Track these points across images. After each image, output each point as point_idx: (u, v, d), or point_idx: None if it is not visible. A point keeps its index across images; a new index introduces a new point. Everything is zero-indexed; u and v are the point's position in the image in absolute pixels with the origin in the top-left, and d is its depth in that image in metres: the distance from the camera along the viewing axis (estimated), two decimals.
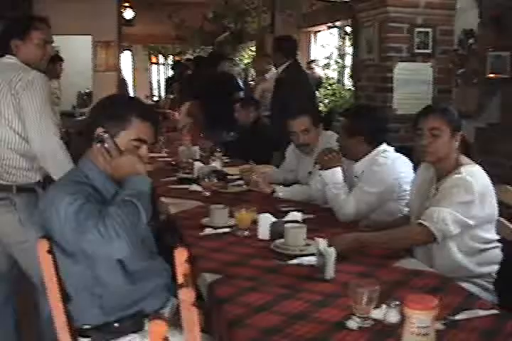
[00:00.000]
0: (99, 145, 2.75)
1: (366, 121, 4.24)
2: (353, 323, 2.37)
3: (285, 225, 3.40)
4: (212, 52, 12.28)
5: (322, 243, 2.98)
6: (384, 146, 4.26)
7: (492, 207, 3.35)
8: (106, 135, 2.74)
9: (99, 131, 2.75)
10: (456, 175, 3.31)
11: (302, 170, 5.18)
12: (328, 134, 5.06)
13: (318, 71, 10.85)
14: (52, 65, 9.73)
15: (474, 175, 3.32)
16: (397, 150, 4.31)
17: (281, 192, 4.63)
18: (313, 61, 11.01)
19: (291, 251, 3.24)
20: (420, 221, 3.26)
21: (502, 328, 2.38)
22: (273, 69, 9.75)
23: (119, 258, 2.65)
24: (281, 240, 3.36)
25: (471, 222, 3.22)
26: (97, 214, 2.48)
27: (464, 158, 3.46)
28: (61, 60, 9.79)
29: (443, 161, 3.48)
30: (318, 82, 10.79)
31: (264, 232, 3.58)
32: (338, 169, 4.15)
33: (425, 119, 3.49)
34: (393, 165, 4.11)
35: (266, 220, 3.60)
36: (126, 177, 2.71)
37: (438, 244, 3.31)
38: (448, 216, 3.19)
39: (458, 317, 2.44)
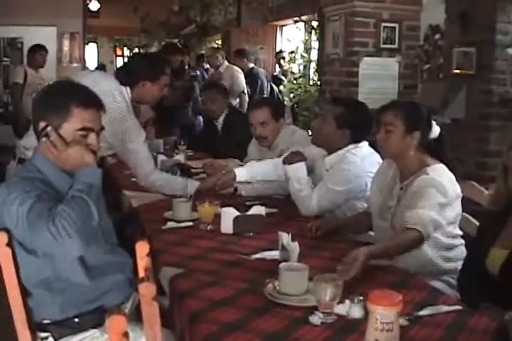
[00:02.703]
0: (44, 139, 2.70)
1: (360, 116, 4.17)
2: (316, 318, 2.35)
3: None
4: (165, 44, 12.22)
5: (285, 237, 2.97)
6: (361, 144, 4.16)
7: (459, 205, 3.36)
8: (49, 128, 2.68)
9: (42, 124, 2.70)
10: (424, 176, 3.30)
11: None
12: (290, 130, 5.01)
13: (285, 64, 10.84)
14: (32, 55, 9.67)
15: (441, 174, 3.32)
16: None
17: (245, 189, 4.58)
18: (281, 52, 10.99)
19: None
20: (412, 226, 3.14)
21: (465, 324, 2.38)
22: (226, 63, 9.77)
23: (76, 256, 2.59)
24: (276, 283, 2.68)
25: (444, 222, 3.23)
26: (47, 213, 2.42)
27: (428, 158, 3.44)
28: (43, 49, 9.70)
29: (403, 159, 3.47)
30: (276, 77, 10.82)
31: (227, 226, 3.54)
32: (302, 164, 4.11)
33: (382, 114, 3.48)
34: (362, 164, 4.03)
35: (229, 214, 3.56)
36: (77, 169, 2.65)
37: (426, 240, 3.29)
38: (430, 218, 3.17)
39: (422, 312, 2.43)
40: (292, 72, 10.63)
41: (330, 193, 4.01)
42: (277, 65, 10.95)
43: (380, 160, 3.93)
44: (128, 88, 4.26)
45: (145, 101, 4.51)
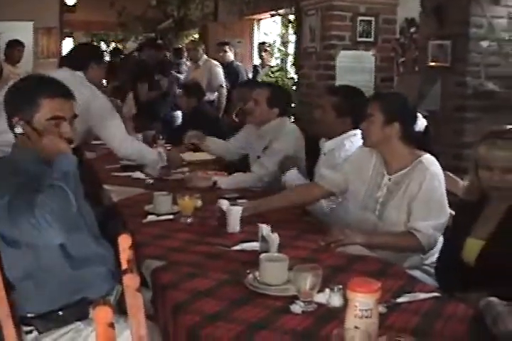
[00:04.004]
0: (19, 133, 2.76)
1: (357, 103, 4.21)
2: (297, 307, 2.39)
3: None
4: (146, 40, 12.20)
5: (265, 229, 3.01)
6: (357, 131, 4.24)
7: None
8: (21, 122, 2.75)
9: (15, 120, 2.77)
10: (422, 167, 3.39)
11: (253, 153, 5.16)
12: (280, 122, 4.98)
13: (266, 56, 10.81)
14: (10, 50, 9.62)
15: (436, 164, 3.43)
16: None
17: (223, 183, 4.60)
18: (263, 43, 10.98)
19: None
20: (417, 236, 3.30)
21: (442, 310, 2.44)
22: (205, 56, 9.75)
23: (57, 243, 2.62)
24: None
25: (442, 221, 3.34)
26: (26, 206, 2.45)
27: (416, 150, 3.51)
28: (21, 45, 9.66)
29: (387, 149, 3.54)
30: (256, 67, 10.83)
31: (234, 225, 3.49)
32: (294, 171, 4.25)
33: (368, 104, 3.58)
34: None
35: (236, 212, 3.51)
36: (54, 158, 2.69)
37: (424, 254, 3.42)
38: (431, 229, 3.29)
39: (400, 300, 2.48)
40: (270, 66, 10.63)
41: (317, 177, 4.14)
42: (259, 57, 10.90)
43: None
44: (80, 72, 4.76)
45: (95, 82, 4.88)
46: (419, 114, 3.60)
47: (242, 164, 5.23)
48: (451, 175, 3.89)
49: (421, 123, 3.56)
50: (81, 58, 4.87)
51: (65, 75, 4.30)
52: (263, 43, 10.89)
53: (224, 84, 9.55)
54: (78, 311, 2.71)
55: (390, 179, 3.53)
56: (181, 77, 10.26)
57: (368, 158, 3.68)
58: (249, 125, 5.29)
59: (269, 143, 4.82)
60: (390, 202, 3.49)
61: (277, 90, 5.13)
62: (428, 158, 3.43)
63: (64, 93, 2.85)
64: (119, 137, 4.79)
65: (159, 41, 11.59)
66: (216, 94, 9.51)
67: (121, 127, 4.85)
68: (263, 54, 10.64)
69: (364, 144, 3.68)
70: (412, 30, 6.53)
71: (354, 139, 4.19)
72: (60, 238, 2.49)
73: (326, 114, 4.28)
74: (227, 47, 10.23)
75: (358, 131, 4.13)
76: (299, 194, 3.96)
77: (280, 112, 4.94)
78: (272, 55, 10.76)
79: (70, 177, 2.60)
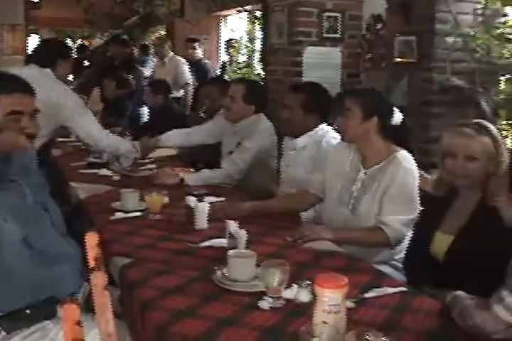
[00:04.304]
0: None
1: (324, 98, 4.31)
2: (265, 303, 2.39)
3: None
4: (112, 36, 12.10)
5: (233, 225, 3.01)
6: (324, 125, 4.33)
7: None
8: None
9: None
10: (397, 163, 3.42)
11: (225, 148, 5.17)
12: (255, 119, 4.97)
13: (233, 53, 10.78)
14: None
15: (411, 161, 3.46)
16: None
17: (191, 180, 4.59)
18: (230, 40, 10.95)
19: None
20: (386, 230, 3.32)
21: (410, 304, 2.46)
22: (171, 53, 9.71)
23: (18, 238, 2.59)
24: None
25: (411, 217, 3.36)
26: None
27: (393, 145, 3.54)
28: None
29: (365, 144, 3.57)
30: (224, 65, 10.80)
31: (202, 222, 3.49)
32: None
33: (341, 100, 3.59)
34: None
35: (203, 208, 3.51)
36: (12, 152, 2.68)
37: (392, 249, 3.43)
38: (400, 224, 3.32)
39: (368, 295, 2.50)
40: (237, 62, 10.63)
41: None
42: (226, 53, 10.86)
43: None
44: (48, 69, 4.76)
45: (62, 79, 4.91)
46: (395, 108, 3.61)
47: (211, 159, 5.23)
48: (420, 171, 3.92)
49: (397, 116, 3.58)
50: (48, 55, 4.86)
51: (33, 73, 4.31)
52: (230, 40, 10.87)
53: (190, 82, 9.52)
54: (46, 310, 2.69)
55: (365, 173, 3.55)
56: (147, 73, 10.20)
57: (346, 154, 3.70)
58: (220, 117, 5.32)
59: (242, 140, 4.82)
60: (363, 196, 3.51)
61: (253, 86, 5.12)
62: (403, 154, 3.46)
63: (22, 88, 2.82)
64: (95, 132, 4.91)
65: (125, 37, 11.50)
66: (182, 91, 9.48)
67: (95, 122, 5.00)
68: (231, 50, 10.61)
69: (342, 139, 3.70)
70: (379, 26, 6.55)
71: (328, 136, 4.24)
72: (17, 232, 2.48)
73: (293, 112, 4.29)
74: (196, 44, 10.18)
75: (327, 127, 4.19)
76: (297, 201, 3.95)
77: (256, 109, 4.93)
78: (238, 51, 10.75)
79: (28, 171, 2.59)
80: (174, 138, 5.46)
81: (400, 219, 3.30)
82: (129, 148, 5.13)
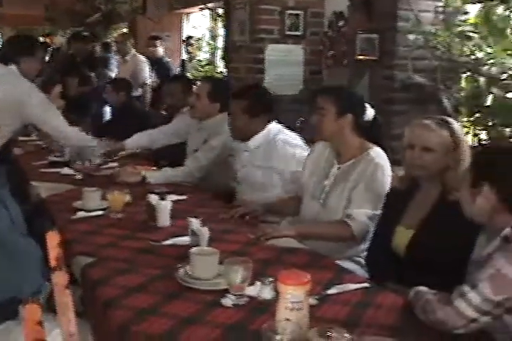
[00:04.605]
0: None
1: (266, 100, 4.31)
2: (228, 301, 2.39)
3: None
4: (72, 34, 12.02)
5: (195, 223, 3.00)
6: (274, 125, 4.31)
7: None
8: None
9: None
10: (369, 158, 3.45)
11: (190, 145, 5.16)
12: (222, 118, 4.82)
13: (193, 50, 10.73)
14: None
15: (383, 157, 3.48)
16: None
17: (153, 178, 4.57)
18: (190, 37, 10.91)
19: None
20: (350, 223, 3.34)
21: (373, 300, 2.47)
22: (133, 51, 9.65)
23: None
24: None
25: (378, 212, 3.35)
26: None
27: (365, 141, 3.57)
28: None
29: (339, 141, 3.60)
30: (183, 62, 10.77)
31: (164, 220, 3.49)
32: None
33: (317, 99, 3.59)
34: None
35: (165, 206, 3.50)
36: None
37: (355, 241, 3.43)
38: (368, 221, 3.34)
39: (330, 291, 2.51)
40: (199, 60, 10.60)
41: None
42: (185, 51, 10.82)
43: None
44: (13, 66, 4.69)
45: (29, 75, 4.81)
46: (367, 104, 3.66)
47: (175, 157, 5.21)
48: None
49: (369, 112, 3.62)
50: (12, 52, 4.81)
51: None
52: (190, 37, 10.83)
53: (148, 82, 9.41)
54: (7, 310, 2.66)
55: (338, 168, 3.59)
56: (111, 73, 10.11)
57: (322, 152, 3.76)
58: (183, 116, 5.31)
59: (207, 138, 4.81)
60: (334, 191, 3.55)
61: (219, 85, 5.11)
62: (376, 151, 3.50)
63: None
64: (63, 128, 4.93)
65: (86, 34, 11.42)
66: (140, 90, 9.39)
67: (62, 118, 4.97)
68: (189, 48, 10.57)
69: (316, 138, 3.74)
70: (341, 23, 6.57)
71: (282, 135, 4.23)
72: None
73: (238, 118, 4.26)
74: (157, 42, 10.11)
75: (278, 126, 4.18)
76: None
77: (222, 107, 4.91)
78: (199, 48, 10.73)
79: None
80: (139, 142, 5.46)
81: (366, 213, 3.33)
82: (96, 145, 5.15)
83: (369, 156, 3.46)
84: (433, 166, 2.94)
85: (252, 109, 4.20)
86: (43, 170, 5.17)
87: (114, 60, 10.76)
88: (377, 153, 3.49)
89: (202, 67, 10.42)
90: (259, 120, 4.22)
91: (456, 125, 2.96)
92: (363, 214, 3.33)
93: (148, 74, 9.43)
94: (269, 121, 4.26)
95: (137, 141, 5.44)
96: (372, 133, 3.61)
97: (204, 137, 4.88)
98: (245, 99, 4.25)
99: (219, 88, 4.99)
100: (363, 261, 3.42)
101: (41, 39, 20.42)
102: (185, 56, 11.00)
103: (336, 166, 3.61)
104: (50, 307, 2.35)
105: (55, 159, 5.41)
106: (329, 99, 3.54)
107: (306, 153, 4.00)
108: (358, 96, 3.76)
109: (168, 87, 6.13)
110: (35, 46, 5.00)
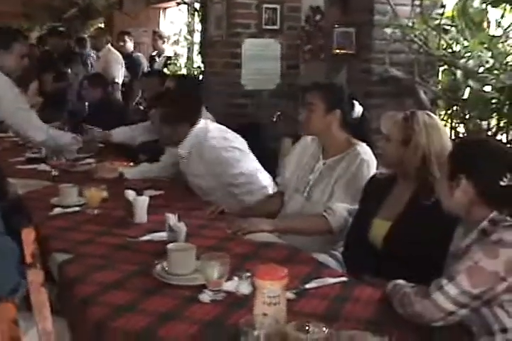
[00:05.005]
0: None
1: (188, 105, 4.27)
2: (205, 296, 2.38)
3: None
4: (48, 29, 11.93)
5: (172, 218, 2.99)
6: (200, 126, 4.24)
7: None
8: None
9: None
10: (355, 154, 3.51)
11: None
12: None
13: (162, 45, 10.62)
14: None
15: (368, 152, 3.54)
16: (245, 128, 4.37)
17: (129, 173, 4.55)
18: (155, 32, 10.82)
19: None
20: (327, 217, 3.36)
21: (351, 294, 2.48)
22: (108, 46, 9.59)
23: None
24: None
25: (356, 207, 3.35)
26: None
27: (352, 138, 3.62)
28: None
29: (326, 136, 3.64)
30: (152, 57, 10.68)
31: (141, 215, 3.46)
32: None
33: (306, 95, 3.65)
34: (225, 142, 4.21)
35: (143, 202, 3.48)
36: None
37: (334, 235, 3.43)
38: (346, 214, 3.35)
39: (308, 285, 2.50)
40: (167, 57, 10.52)
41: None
42: (152, 46, 10.68)
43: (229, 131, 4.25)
44: None
45: (5, 70, 4.73)
46: (355, 101, 3.71)
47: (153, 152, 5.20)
48: None
49: (357, 109, 3.70)
50: None
51: None
52: (155, 32, 10.75)
53: (119, 80, 9.30)
54: None
55: (324, 163, 3.64)
56: (87, 69, 10.03)
57: (307, 147, 3.81)
58: None
59: None
60: (318, 185, 3.59)
61: (184, 81, 5.13)
62: (363, 147, 3.55)
63: None
64: (34, 126, 4.87)
65: (62, 29, 11.35)
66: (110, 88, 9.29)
67: (34, 116, 4.94)
68: (158, 43, 10.46)
69: (304, 132, 3.80)
70: (318, 17, 6.56)
71: (210, 134, 4.19)
72: None
73: (162, 127, 4.28)
74: (126, 37, 10.03)
75: (203, 125, 4.20)
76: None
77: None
78: (177, 43, 10.66)
79: None
80: (121, 135, 5.48)
81: (346, 207, 3.35)
82: (69, 141, 5.10)
83: (355, 152, 3.52)
84: (389, 156, 3.01)
85: (170, 117, 4.19)
86: (19, 166, 5.14)
87: (90, 56, 10.69)
88: (364, 150, 3.54)
89: (170, 63, 10.31)
90: (182, 127, 4.18)
91: (422, 119, 2.92)
92: (343, 208, 3.35)
93: (118, 72, 9.31)
94: (193, 124, 4.20)
95: (122, 134, 5.48)
96: (359, 129, 3.67)
97: None
98: (161, 107, 4.30)
99: (184, 84, 5.03)
100: (339, 254, 3.41)
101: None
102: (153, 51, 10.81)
103: (321, 161, 3.66)
104: (28, 305, 2.33)
105: (32, 156, 5.38)
106: (318, 95, 3.59)
107: (238, 152, 4.10)
108: (347, 92, 3.78)
109: (145, 82, 6.14)
110: (11, 39, 4.80)
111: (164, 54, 10.23)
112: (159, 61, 10.06)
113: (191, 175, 4.29)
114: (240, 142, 4.24)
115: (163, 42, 10.39)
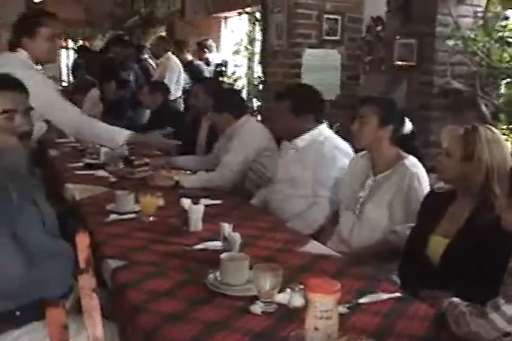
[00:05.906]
0: None
1: (311, 99, 4.36)
2: (256, 308, 2.36)
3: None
4: (113, 37, 12.07)
5: (227, 228, 2.98)
6: (324, 128, 4.36)
7: None
8: None
9: None
10: (404, 168, 3.53)
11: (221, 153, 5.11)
12: (243, 120, 5.00)
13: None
14: None
15: (418, 166, 3.55)
16: None
17: (186, 182, 4.55)
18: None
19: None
20: (388, 236, 3.45)
21: (405, 310, 2.42)
22: (169, 54, 9.64)
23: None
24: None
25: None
26: None
27: (401, 152, 3.65)
28: None
29: (377, 150, 3.68)
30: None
31: (196, 224, 3.46)
32: None
33: (360, 108, 3.71)
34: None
35: (198, 210, 3.48)
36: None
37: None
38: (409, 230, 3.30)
39: (361, 300, 2.46)
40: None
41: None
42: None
43: None
44: (22, 51, 4.24)
45: (40, 58, 4.33)
46: (405, 118, 3.77)
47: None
48: None
49: (407, 125, 3.76)
50: (13, 37, 4.33)
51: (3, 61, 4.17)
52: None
53: (174, 87, 9.32)
54: (36, 311, 2.65)
55: (374, 180, 3.66)
56: (146, 76, 10.13)
57: (358, 162, 3.85)
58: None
59: (229, 142, 4.82)
60: (369, 202, 3.61)
61: (220, 95, 5.26)
62: (411, 160, 3.57)
63: (8, 85, 2.78)
64: (74, 119, 4.47)
65: (126, 38, 11.49)
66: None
67: (74, 109, 4.59)
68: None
69: (356, 144, 3.85)
70: (379, 28, 6.53)
71: (331, 141, 4.25)
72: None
73: (282, 118, 4.32)
74: (181, 47, 10.18)
75: (328, 131, 4.19)
76: None
77: (233, 114, 4.97)
78: (237, 53, 10.70)
79: (17, 172, 2.55)
80: (187, 163, 5.39)
81: (408, 226, 3.34)
82: (110, 138, 4.55)
83: (404, 166, 3.53)
84: (448, 172, 2.96)
85: (296, 108, 4.24)
86: (78, 172, 5.19)
87: (148, 63, 10.80)
88: (412, 163, 3.55)
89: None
90: (305, 119, 4.26)
91: (485, 134, 2.87)
92: (407, 228, 3.34)
93: (175, 79, 9.37)
94: (317, 121, 4.29)
95: (185, 161, 5.41)
96: (408, 145, 3.71)
97: (227, 143, 4.92)
98: (288, 98, 4.30)
99: (221, 99, 5.17)
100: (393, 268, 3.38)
101: (81, 42, 20.63)
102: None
103: (371, 178, 3.68)
104: (79, 308, 2.34)
105: (91, 161, 5.43)
106: (373, 109, 3.65)
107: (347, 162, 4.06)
108: (398, 108, 3.83)
109: (193, 89, 6.21)
110: (34, 25, 4.28)
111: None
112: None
113: (295, 165, 4.29)
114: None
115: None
